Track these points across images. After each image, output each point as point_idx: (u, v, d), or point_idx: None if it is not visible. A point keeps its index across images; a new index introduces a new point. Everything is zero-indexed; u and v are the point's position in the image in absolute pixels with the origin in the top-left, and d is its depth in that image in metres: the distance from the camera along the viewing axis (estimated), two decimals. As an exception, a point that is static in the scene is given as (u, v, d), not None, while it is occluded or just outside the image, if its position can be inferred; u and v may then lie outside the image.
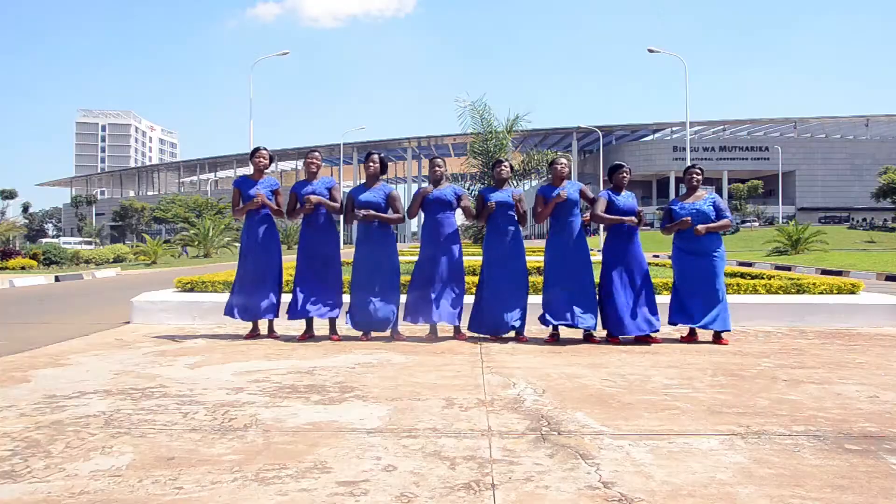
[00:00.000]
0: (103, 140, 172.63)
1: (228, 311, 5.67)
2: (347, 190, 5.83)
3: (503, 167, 5.69)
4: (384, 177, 5.82)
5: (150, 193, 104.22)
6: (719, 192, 71.26)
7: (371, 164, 5.60)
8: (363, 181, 5.84)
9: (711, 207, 5.48)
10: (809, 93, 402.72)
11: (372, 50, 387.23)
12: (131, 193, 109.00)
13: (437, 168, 5.69)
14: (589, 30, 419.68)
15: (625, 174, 5.62)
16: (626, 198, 5.56)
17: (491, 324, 5.50)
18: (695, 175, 5.56)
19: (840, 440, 2.76)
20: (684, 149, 53.27)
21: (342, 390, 3.67)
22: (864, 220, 68.30)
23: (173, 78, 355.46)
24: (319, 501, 2.12)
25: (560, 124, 79.76)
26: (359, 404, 3.35)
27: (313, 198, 5.51)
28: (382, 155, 5.75)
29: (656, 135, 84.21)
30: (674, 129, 79.56)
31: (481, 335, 5.59)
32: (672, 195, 73.36)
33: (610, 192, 5.59)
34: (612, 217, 5.46)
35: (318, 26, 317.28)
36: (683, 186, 5.76)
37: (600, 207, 5.52)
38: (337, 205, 5.65)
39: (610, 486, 2.23)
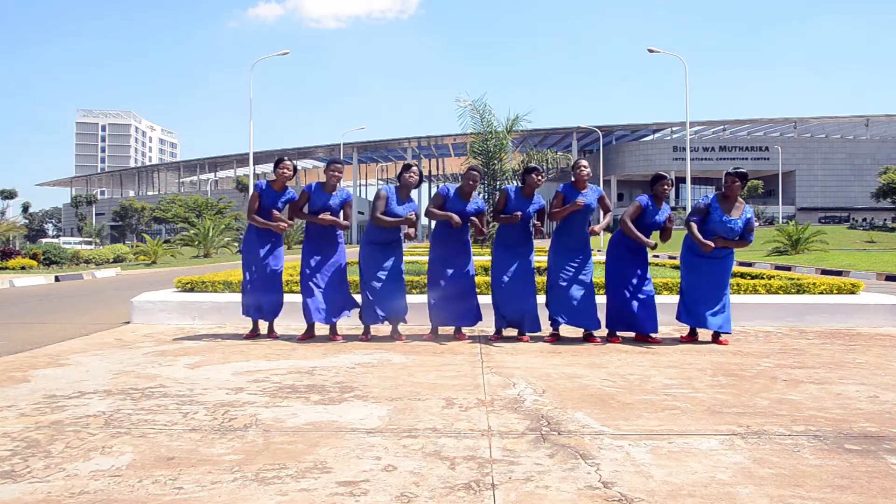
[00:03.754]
0: (103, 140, 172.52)
1: (246, 311, 5.69)
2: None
3: (539, 177, 5.44)
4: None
5: (150, 193, 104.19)
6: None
7: (412, 174, 5.49)
8: (397, 184, 5.62)
9: (741, 227, 5.32)
10: (809, 93, 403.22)
11: (373, 51, 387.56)
12: (131, 193, 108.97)
13: (472, 182, 5.51)
14: (589, 30, 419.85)
15: (666, 186, 5.41)
16: (664, 212, 5.45)
17: (509, 320, 5.52)
18: (736, 181, 5.29)
19: (840, 440, 2.76)
20: (684, 149, 53.28)
21: (342, 390, 3.67)
22: (864, 220, 68.28)
23: (173, 78, 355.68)
24: (319, 501, 2.12)
25: (560, 124, 79.77)
26: (359, 404, 3.36)
27: (327, 218, 5.48)
28: (421, 168, 5.68)
29: (656, 135, 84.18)
30: (674, 129, 79.52)
31: (498, 335, 5.59)
32: (672, 195, 73.24)
33: (650, 200, 5.47)
34: (637, 234, 5.35)
35: (320, 27, 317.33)
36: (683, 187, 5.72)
37: (630, 212, 5.43)
38: (348, 223, 5.64)
39: (610, 486, 2.23)
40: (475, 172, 5.55)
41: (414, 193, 5.67)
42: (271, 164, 5.94)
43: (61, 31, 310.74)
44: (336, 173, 5.60)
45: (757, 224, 64.47)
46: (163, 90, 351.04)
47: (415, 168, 5.55)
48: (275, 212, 5.61)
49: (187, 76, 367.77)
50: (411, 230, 5.50)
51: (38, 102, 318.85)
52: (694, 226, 5.40)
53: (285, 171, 5.64)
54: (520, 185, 5.60)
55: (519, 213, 5.38)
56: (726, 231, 5.30)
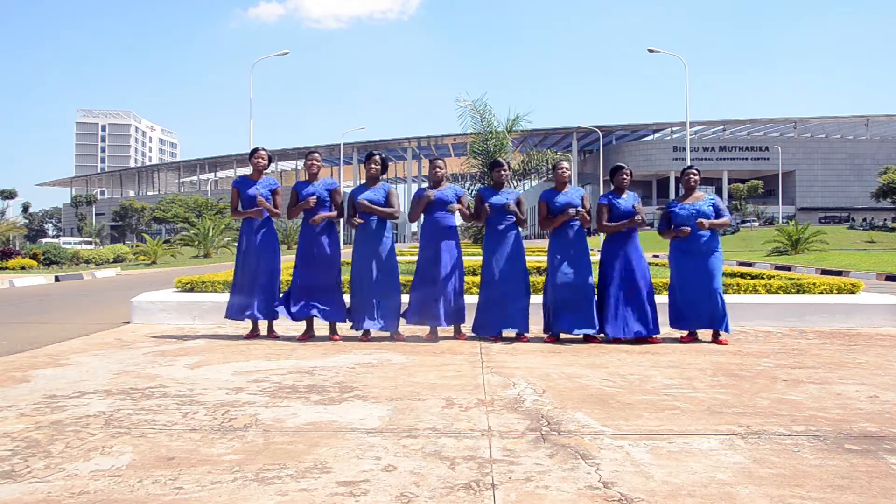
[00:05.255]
0: (103, 140, 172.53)
1: (229, 313, 5.68)
2: (348, 190, 5.85)
3: (502, 171, 5.70)
4: (384, 176, 5.82)
5: (150, 193, 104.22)
6: (719, 192, 71.25)
7: (373, 165, 5.61)
8: (363, 181, 5.85)
9: (711, 208, 5.48)
10: (809, 93, 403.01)
11: (373, 51, 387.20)
12: (131, 193, 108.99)
13: (437, 169, 5.70)
14: (589, 30, 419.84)
15: (625, 175, 5.59)
16: (628, 200, 5.56)
17: (493, 325, 5.51)
18: (692, 176, 5.56)
19: (840, 440, 2.76)
20: (684, 149, 53.27)
21: (342, 390, 3.67)
22: (864, 220, 68.26)
23: (173, 78, 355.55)
24: (319, 501, 2.12)
25: (560, 124, 79.84)
26: (359, 404, 3.36)
27: (312, 200, 5.52)
28: (383, 155, 5.77)
29: (656, 135, 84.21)
30: (674, 129, 79.54)
31: (483, 336, 5.59)
32: (672, 195, 73.32)
33: (610, 196, 5.59)
34: (617, 224, 5.47)
35: (321, 27, 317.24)
36: (681, 188, 5.76)
37: (603, 217, 5.55)
38: (335, 213, 5.68)
39: (610, 486, 2.23)
40: (438, 161, 5.76)
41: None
42: (272, 165, 5.95)
43: (61, 31, 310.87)
44: (314, 162, 5.71)
45: (756, 224, 64.76)
46: (163, 90, 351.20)
47: (376, 157, 5.64)
48: (259, 198, 5.59)
49: (187, 76, 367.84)
50: (356, 220, 5.52)
51: (38, 102, 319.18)
52: (665, 230, 5.61)
53: (259, 160, 5.74)
54: (491, 183, 5.84)
55: (489, 205, 5.54)
56: (696, 217, 5.40)
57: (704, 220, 5.33)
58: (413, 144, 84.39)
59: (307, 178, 5.76)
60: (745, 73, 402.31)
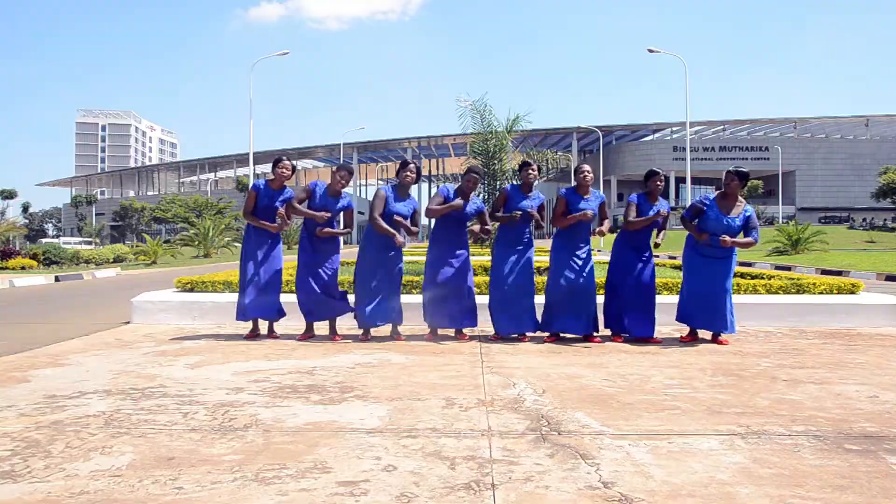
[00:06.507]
0: (103, 140, 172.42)
1: (240, 315, 5.65)
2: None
3: (530, 171, 5.52)
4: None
5: (150, 193, 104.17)
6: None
7: (408, 174, 5.47)
8: (393, 184, 5.65)
9: (739, 225, 5.28)
10: (809, 93, 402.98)
11: (374, 52, 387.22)
12: (131, 193, 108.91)
13: (472, 183, 5.52)
14: (589, 30, 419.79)
15: (660, 182, 5.47)
16: (660, 206, 5.46)
17: (508, 325, 5.51)
18: (735, 180, 5.25)
19: (840, 440, 2.76)
20: (684, 149, 53.25)
21: (342, 390, 3.67)
22: (865, 220, 68.22)
23: (173, 78, 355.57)
24: (319, 501, 2.12)
25: (560, 124, 79.74)
26: (358, 404, 3.35)
27: (326, 231, 5.51)
28: (419, 165, 5.65)
29: (656, 135, 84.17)
30: (674, 129, 79.52)
31: (503, 335, 5.55)
32: (672, 195, 73.33)
33: (640, 198, 5.49)
34: (643, 219, 5.40)
35: (322, 28, 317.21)
36: (672, 187, 5.64)
37: (631, 214, 5.44)
38: (347, 231, 5.74)
39: (610, 486, 2.23)
40: (475, 174, 5.56)
41: (414, 191, 5.69)
42: (271, 164, 5.92)
43: (61, 31, 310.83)
44: (342, 180, 5.56)
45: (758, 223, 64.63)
46: (163, 90, 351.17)
47: (412, 166, 5.53)
48: (280, 210, 5.55)
49: (188, 76, 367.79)
50: (401, 239, 5.37)
51: (38, 102, 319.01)
52: (687, 221, 5.45)
53: (284, 170, 5.66)
54: (517, 182, 5.68)
55: (518, 212, 5.40)
56: (724, 230, 5.26)
57: (727, 238, 5.18)
58: (413, 144, 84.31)
59: (331, 192, 5.59)
60: (745, 73, 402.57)
